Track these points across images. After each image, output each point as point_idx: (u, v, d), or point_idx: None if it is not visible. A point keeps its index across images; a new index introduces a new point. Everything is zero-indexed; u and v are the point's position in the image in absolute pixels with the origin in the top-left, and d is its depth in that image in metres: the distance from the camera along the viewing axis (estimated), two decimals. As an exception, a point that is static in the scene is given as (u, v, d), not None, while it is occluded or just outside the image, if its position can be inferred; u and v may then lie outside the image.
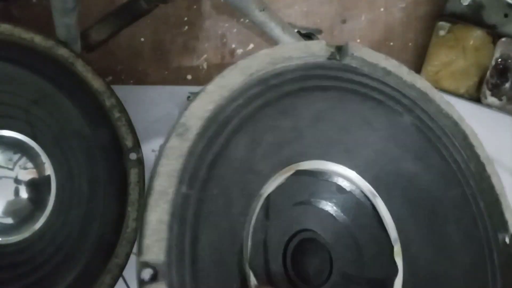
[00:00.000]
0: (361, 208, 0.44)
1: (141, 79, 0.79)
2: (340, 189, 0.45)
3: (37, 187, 0.68)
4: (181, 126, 0.38)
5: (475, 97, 0.73)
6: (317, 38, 0.74)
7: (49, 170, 0.66)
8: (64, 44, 0.63)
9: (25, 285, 0.64)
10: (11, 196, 0.69)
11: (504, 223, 0.46)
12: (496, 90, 0.73)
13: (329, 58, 0.45)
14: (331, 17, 0.79)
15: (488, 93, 0.73)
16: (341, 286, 0.43)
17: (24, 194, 0.69)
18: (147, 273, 0.35)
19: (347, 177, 0.44)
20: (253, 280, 0.37)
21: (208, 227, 0.37)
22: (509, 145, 0.76)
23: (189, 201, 0.37)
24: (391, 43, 0.78)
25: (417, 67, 0.76)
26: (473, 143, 0.49)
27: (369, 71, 0.46)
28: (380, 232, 0.44)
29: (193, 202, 0.37)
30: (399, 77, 0.47)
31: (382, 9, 0.79)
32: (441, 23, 0.74)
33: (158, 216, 0.36)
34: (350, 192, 0.45)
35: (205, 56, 0.79)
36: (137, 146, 0.62)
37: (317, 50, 0.45)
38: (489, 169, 0.49)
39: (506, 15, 0.73)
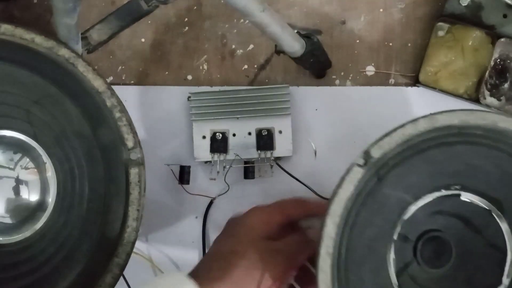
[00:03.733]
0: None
1: (142, 80, 0.80)
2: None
3: (38, 187, 0.69)
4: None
5: (474, 97, 0.74)
6: (316, 39, 0.74)
7: (50, 170, 0.67)
8: (65, 44, 0.63)
9: (25, 284, 0.64)
10: (12, 196, 0.69)
11: None
12: (495, 91, 0.73)
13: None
14: (330, 18, 0.79)
15: (487, 93, 0.73)
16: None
17: (25, 194, 0.69)
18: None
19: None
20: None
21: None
22: (507, 145, 0.76)
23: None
24: (390, 44, 0.79)
25: (416, 68, 0.76)
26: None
27: None
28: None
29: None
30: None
31: (381, 10, 0.79)
32: (440, 23, 0.74)
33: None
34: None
35: (205, 56, 0.80)
36: (137, 146, 0.63)
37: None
38: None
39: (505, 16, 0.74)
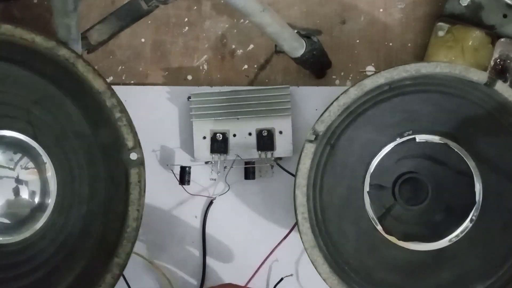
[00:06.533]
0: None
1: (142, 80, 0.80)
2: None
3: (38, 187, 0.69)
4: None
5: (474, 98, 0.74)
6: (316, 39, 0.74)
7: (50, 170, 0.67)
8: (65, 44, 0.63)
9: (25, 284, 0.64)
10: (12, 196, 0.69)
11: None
12: (495, 91, 0.73)
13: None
14: (330, 18, 0.79)
15: (487, 93, 0.73)
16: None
17: (25, 194, 0.69)
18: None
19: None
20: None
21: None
22: (508, 145, 0.76)
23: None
24: (390, 44, 0.79)
25: (416, 68, 0.77)
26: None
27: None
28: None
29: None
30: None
31: (381, 10, 0.79)
32: (440, 23, 0.74)
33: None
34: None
35: (205, 56, 0.80)
36: (137, 146, 0.63)
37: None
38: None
39: (505, 16, 0.74)
